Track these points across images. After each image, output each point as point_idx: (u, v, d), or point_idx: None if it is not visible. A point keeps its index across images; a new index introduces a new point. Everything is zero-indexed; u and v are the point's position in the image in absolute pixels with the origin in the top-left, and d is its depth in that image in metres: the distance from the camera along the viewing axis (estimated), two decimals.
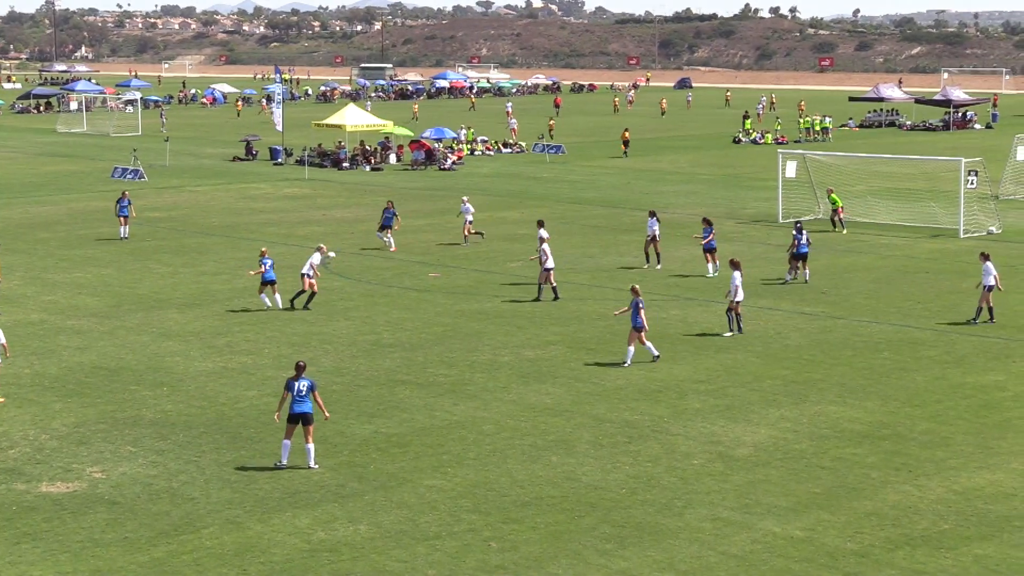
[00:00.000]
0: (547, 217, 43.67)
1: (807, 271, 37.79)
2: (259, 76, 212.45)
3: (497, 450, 22.60)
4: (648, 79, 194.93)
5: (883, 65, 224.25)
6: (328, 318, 33.19)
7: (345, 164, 71.89)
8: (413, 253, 43.30)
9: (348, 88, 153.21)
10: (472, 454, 22.39)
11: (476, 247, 44.36)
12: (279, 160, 74.88)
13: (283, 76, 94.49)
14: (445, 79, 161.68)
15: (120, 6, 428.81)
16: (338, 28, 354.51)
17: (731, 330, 31.07)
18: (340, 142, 75.97)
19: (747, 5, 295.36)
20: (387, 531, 18.91)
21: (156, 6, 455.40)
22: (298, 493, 20.46)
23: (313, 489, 20.65)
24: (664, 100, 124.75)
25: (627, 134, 79.54)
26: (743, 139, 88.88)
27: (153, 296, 36.24)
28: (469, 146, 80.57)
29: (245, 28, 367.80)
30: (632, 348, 28.28)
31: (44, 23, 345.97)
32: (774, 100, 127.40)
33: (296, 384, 21.48)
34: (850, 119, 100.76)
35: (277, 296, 34.06)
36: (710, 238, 38.92)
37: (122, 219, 46.35)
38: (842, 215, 47.80)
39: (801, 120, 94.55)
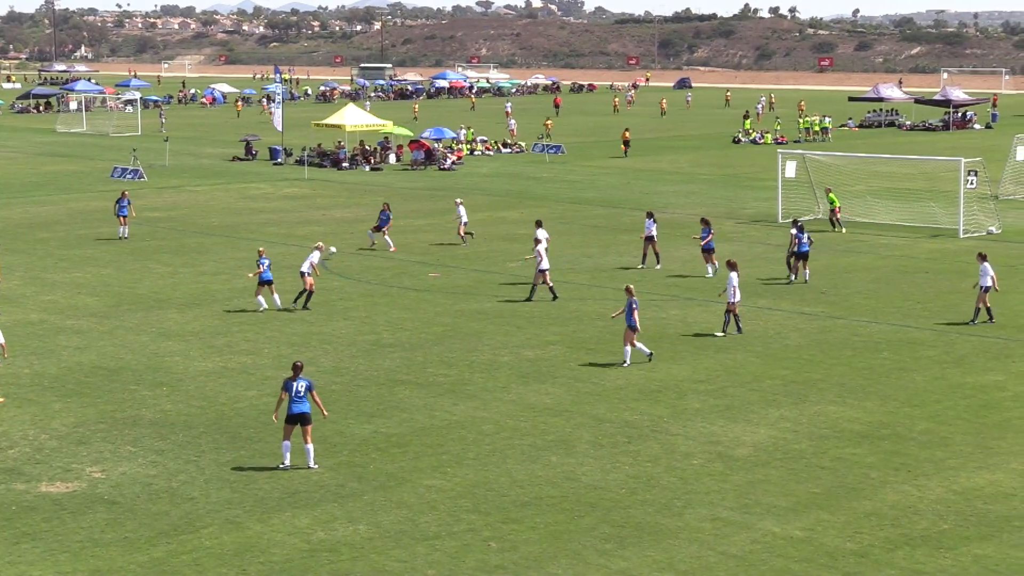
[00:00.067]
0: (547, 217, 43.73)
1: (807, 271, 37.79)
2: (258, 76, 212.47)
3: (497, 450, 22.61)
4: (648, 79, 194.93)
5: (883, 65, 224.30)
6: (328, 318, 33.20)
7: (345, 164, 71.89)
8: (413, 253, 43.30)
9: (348, 88, 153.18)
10: (472, 454, 22.39)
11: (475, 247, 44.36)
12: (279, 160, 74.88)
13: (283, 76, 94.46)
14: (445, 79, 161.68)
15: (120, 6, 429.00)
16: (338, 28, 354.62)
17: (723, 331, 31.06)
18: (340, 142, 75.97)
19: (746, 5, 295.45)
20: (386, 531, 18.91)
21: (156, 6, 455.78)
22: (297, 493, 20.46)
23: (313, 489, 20.65)
24: (664, 100, 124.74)
25: (627, 134, 79.53)
26: (743, 139, 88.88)
27: (153, 296, 36.24)
28: (469, 146, 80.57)
29: (245, 28, 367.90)
30: (629, 348, 28.29)
31: (44, 23, 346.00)
32: (773, 100, 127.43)
33: (294, 385, 21.48)
34: (850, 119, 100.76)
35: (276, 296, 34.03)
36: (709, 238, 38.92)
37: (121, 219, 46.37)
38: (838, 215, 47.82)
39: (801, 120, 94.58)
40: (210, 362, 28.82)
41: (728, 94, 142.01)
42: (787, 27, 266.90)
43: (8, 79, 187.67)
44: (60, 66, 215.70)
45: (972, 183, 49.61)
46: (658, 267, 39.94)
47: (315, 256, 34.52)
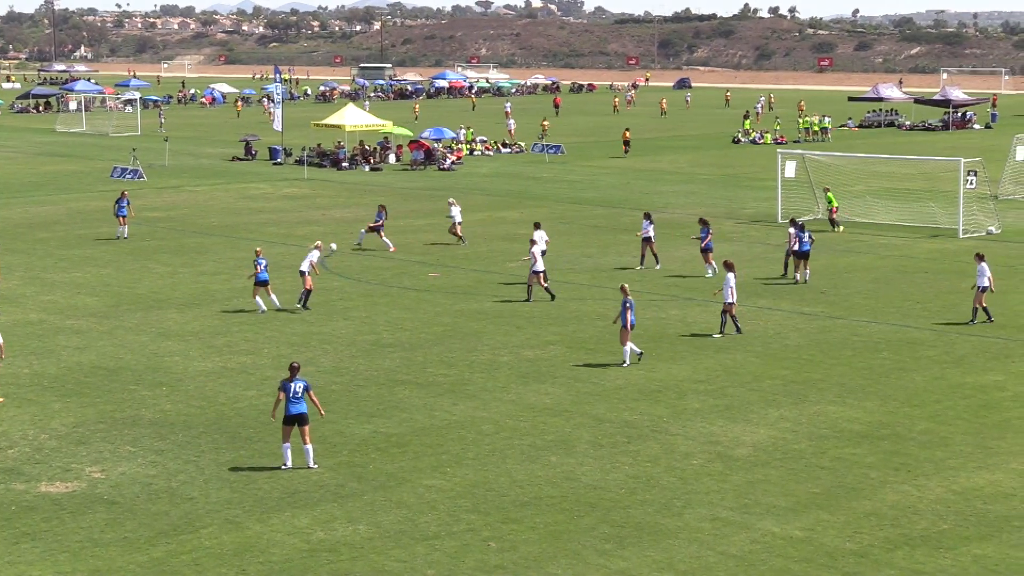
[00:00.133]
0: (546, 217, 43.80)
1: (807, 271, 37.78)
2: (258, 76, 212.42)
3: (496, 450, 22.60)
4: (647, 79, 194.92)
5: (882, 65, 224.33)
6: (327, 318, 33.19)
7: (344, 164, 71.89)
8: (412, 253, 43.30)
9: (347, 88, 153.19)
10: (471, 454, 22.39)
11: (475, 247, 44.35)
12: (278, 160, 74.88)
13: (282, 76, 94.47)
14: (444, 79, 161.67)
15: (119, 6, 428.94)
16: (337, 28, 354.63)
17: (721, 331, 31.05)
18: (339, 142, 75.98)
19: (746, 5, 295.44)
20: (386, 531, 18.91)
21: (155, 6, 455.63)
22: (297, 493, 20.46)
23: (312, 489, 20.65)
24: (664, 100, 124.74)
25: (628, 134, 79.53)
26: (742, 139, 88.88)
27: (152, 296, 36.24)
28: (468, 146, 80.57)
29: (244, 28, 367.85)
30: (628, 347, 28.28)
31: (43, 23, 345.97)
32: (772, 100, 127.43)
33: (291, 385, 21.48)
34: (849, 119, 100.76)
35: (273, 296, 33.96)
36: (708, 239, 38.90)
37: (120, 219, 46.36)
38: (835, 215, 47.79)
39: (800, 120, 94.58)
40: (210, 362, 28.82)
41: (728, 94, 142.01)
42: (787, 27, 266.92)
43: (8, 79, 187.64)
44: (60, 66, 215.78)
45: (972, 183, 49.62)
46: (657, 267, 39.94)
47: (314, 255, 34.52)
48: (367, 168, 71.49)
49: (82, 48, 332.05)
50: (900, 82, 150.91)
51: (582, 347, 29.90)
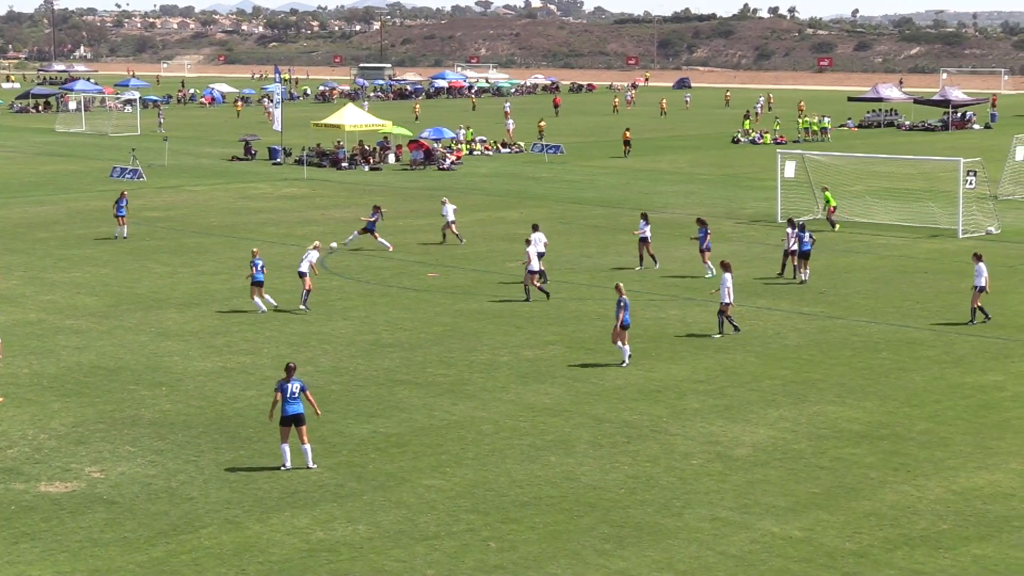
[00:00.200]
0: (546, 217, 43.81)
1: (807, 271, 37.77)
2: (257, 76, 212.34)
3: (496, 450, 22.60)
4: (647, 79, 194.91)
5: (882, 65, 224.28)
6: (327, 318, 33.19)
7: (344, 164, 71.90)
8: (412, 253, 43.30)
9: (347, 88, 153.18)
10: (471, 454, 22.39)
11: (474, 247, 44.35)
12: (278, 160, 74.89)
13: (282, 76, 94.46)
14: (444, 79, 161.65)
15: (119, 6, 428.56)
16: (337, 28, 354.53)
17: (720, 331, 31.05)
18: (339, 142, 75.99)
19: (746, 5, 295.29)
20: (386, 531, 18.91)
21: (155, 6, 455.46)
22: (297, 493, 20.46)
23: (312, 489, 20.65)
24: (664, 100, 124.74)
25: (628, 134, 79.53)
26: (742, 139, 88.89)
27: (152, 296, 36.24)
28: (468, 146, 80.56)
29: (244, 28, 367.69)
30: (627, 347, 28.28)
31: (43, 23, 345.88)
32: (771, 100, 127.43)
33: (288, 386, 21.48)
34: (849, 119, 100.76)
35: (267, 297, 33.91)
36: (707, 239, 38.83)
37: (120, 219, 46.35)
38: (833, 214, 47.78)
39: (800, 120, 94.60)
40: (209, 362, 28.82)
41: (728, 94, 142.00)
42: (786, 27, 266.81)
43: (7, 79, 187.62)
44: (59, 66, 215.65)
45: (971, 183, 49.62)
46: (656, 267, 39.92)
47: (313, 256, 34.44)
48: (367, 168, 71.50)
49: (81, 48, 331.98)
50: (900, 82, 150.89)
51: (582, 347, 29.90)
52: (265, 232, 48.02)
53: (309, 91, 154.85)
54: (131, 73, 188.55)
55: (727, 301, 30.76)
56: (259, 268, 33.55)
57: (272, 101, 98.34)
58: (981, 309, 32.28)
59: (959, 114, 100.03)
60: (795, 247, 37.97)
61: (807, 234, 37.71)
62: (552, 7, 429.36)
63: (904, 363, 28.52)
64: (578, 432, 23.59)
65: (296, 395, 21.48)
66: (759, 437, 23.24)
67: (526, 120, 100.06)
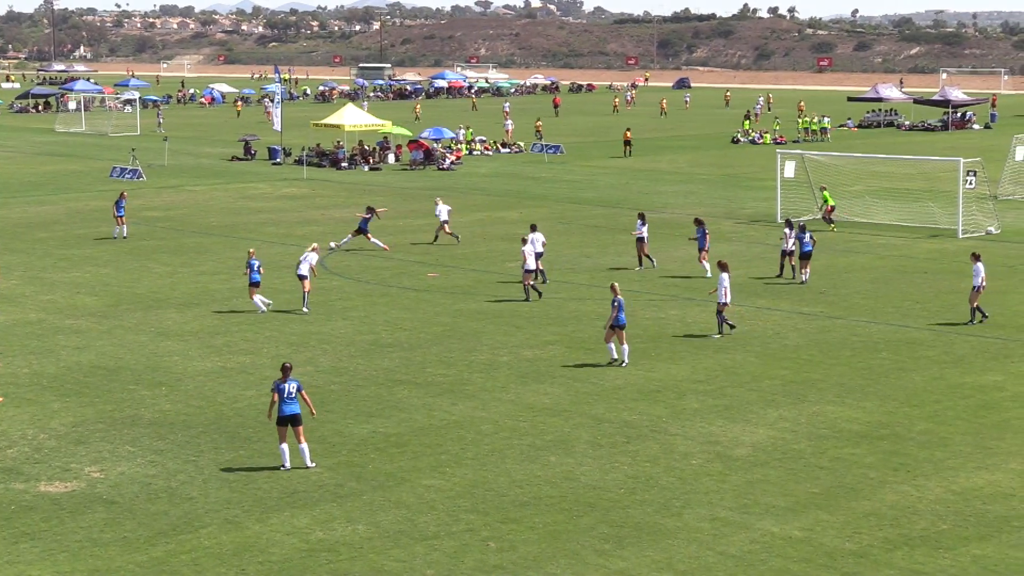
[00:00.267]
0: (545, 217, 43.79)
1: (807, 271, 37.71)
2: (256, 76, 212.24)
3: (495, 450, 22.61)
4: (647, 79, 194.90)
5: (882, 65, 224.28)
6: (326, 318, 33.19)
7: (344, 164, 71.90)
8: (411, 253, 43.30)
9: (347, 88, 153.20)
10: (470, 454, 22.40)
11: (474, 247, 44.35)
12: (277, 160, 74.88)
13: (282, 76, 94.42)
14: (444, 79, 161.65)
15: (119, 6, 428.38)
16: (336, 28, 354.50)
17: (720, 332, 31.05)
18: (339, 142, 76.00)
19: (745, 5, 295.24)
20: (385, 531, 18.91)
21: (155, 6, 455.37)
22: (296, 493, 20.46)
23: (311, 489, 20.65)
24: (664, 100, 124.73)
25: (629, 134, 79.52)
26: (742, 139, 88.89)
27: (151, 296, 36.24)
28: (468, 146, 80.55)
29: (244, 28, 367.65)
30: (626, 347, 28.28)
31: (43, 23, 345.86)
32: (770, 100, 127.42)
33: (285, 386, 21.48)
34: (849, 119, 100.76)
35: (255, 299, 33.75)
36: (706, 239, 38.76)
37: (119, 219, 46.33)
38: (831, 214, 47.77)
39: (800, 120, 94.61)
40: (209, 362, 28.82)
41: (728, 94, 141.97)
42: (786, 27, 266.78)
43: (7, 79, 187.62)
44: (59, 66, 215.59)
45: (971, 183, 49.62)
46: (654, 267, 39.89)
47: (313, 258, 34.27)
48: (366, 168, 71.50)
49: (81, 48, 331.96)
50: (901, 82, 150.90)
51: (581, 347, 29.90)
52: (265, 232, 48.02)
53: (309, 91, 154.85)
54: (131, 73, 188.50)
55: (724, 301, 30.74)
56: (255, 268, 33.49)
57: (272, 101, 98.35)
58: (978, 309, 32.29)
59: (959, 114, 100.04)
60: (793, 247, 37.98)
61: (808, 235, 37.69)
62: (552, 7, 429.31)
63: (904, 363, 28.52)
64: (578, 432, 23.60)
65: (293, 395, 21.48)
66: (759, 437, 23.24)
67: (525, 120, 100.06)
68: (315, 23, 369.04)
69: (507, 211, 53.67)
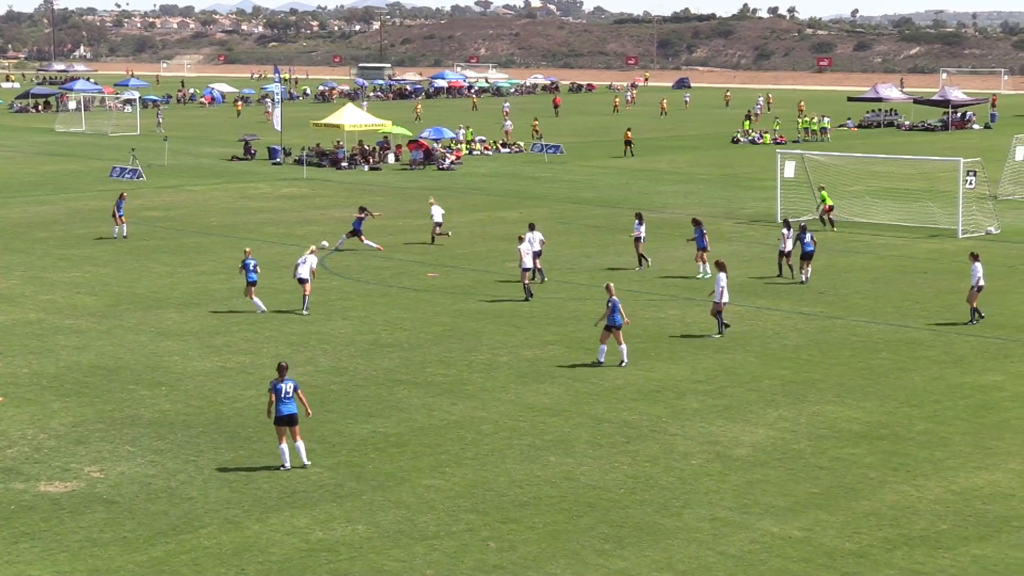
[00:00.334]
0: (545, 217, 43.77)
1: (808, 271, 37.68)
2: (256, 76, 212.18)
3: (495, 450, 22.61)
4: (646, 79, 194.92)
5: (881, 65, 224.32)
6: (326, 318, 33.19)
7: (343, 164, 71.90)
8: (411, 253, 43.31)
9: (347, 88, 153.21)
10: (470, 454, 22.40)
11: (474, 247, 44.36)
12: (277, 160, 74.88)
13: (282, 76, 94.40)
14: (443, 79, 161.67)
15: (119, 5, 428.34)
16: (336, 28, 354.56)
17: (720, 332, 31.04)
18: (338, 142, 76.01)
19: (745, 5, 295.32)
20: (385, 531, 18.91)
21: (155, 5, 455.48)
22: (296, 493, 20.46)
23: (311, 489, 20.65)
24: (665, 100, 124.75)
25: (629, 134, 79.53)
26: (742, 139, 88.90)
27: (151, 295, 36.24)
28: (468, 146, 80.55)
29: (244, 28, 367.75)
30: (624, 346, 28.27)
31: (43, 22, 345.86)
32: (770, 100, 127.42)
33: (282, 386, 21.47)
34: (848, 119, 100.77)
35: (256, 299, 33.71)
36: (704, 239, 38.68)
37: (119, 219, 46.32)
38: (829, 214, 47.77)
39: (800, 120, 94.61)
40: (209, 362, 28.81)
41: (728, 94, 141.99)
42: (786, 27, 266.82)
43: (7, 78, 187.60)
44: (59, 65, 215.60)
45: (971, 183, 49.62)
46: (650, 266, 39.83)
47: (313, 260, 34.10)
48: (366, 168, 71.50)
49: (81, 48, 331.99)
50: (901, 82, 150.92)
51: (581, 347, 29.89)
52: (265, 232, 48.03)
53: (309, 91, 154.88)
54: (130, 73, 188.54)
55: (721, 301, 30.73)
56: (251, 268, 33.43)
57: (272, 101, 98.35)
58: (975, 309, 32.27)
59: (959, 114, 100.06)
60: (790, 248, 38.01)
61: (809, 235, 37.69)
62: (552, 7, 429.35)
63: (903, 363, 28.52)
64: (577, 432, 23.60)
65: (290, 395, 21.48)
66: (758, 437, 23.24)
67: (525, 120, 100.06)
68: (315, 23, 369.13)
69: (507, 211, 53.67)
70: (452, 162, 72.24)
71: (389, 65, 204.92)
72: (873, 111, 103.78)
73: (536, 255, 36.77)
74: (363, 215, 43.71)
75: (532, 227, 38.29)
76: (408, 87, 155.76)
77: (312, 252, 34.58)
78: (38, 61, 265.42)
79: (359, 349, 29.94)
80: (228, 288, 36.98)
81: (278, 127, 76.85)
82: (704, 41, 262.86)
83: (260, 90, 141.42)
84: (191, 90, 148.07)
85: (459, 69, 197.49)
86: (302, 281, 33.63)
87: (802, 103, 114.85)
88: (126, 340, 30.86)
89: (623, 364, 28.14)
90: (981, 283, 32.06)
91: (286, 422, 21.46)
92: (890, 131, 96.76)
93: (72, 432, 23.64)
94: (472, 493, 20.43)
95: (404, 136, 77.27)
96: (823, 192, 48.19)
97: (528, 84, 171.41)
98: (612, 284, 29.18)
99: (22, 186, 63.42)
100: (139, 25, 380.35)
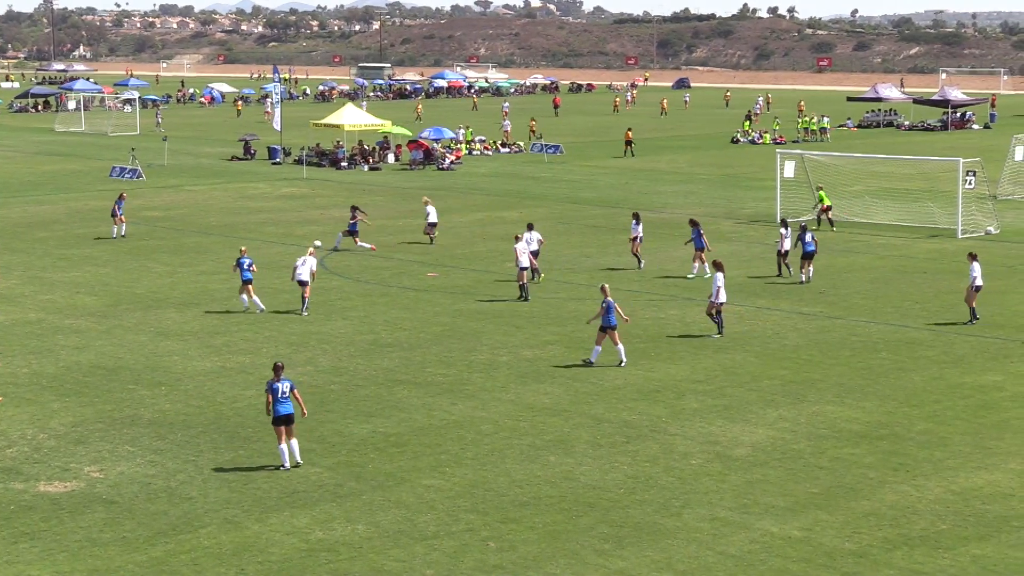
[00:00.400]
0: (545, 217, 43.75)
1: (810, 270, 37.66)
2: (256, 75, 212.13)
3: (495, 450, 22.61)
4: (646, 79, 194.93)
5: (881, 65, 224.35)
6: (326, 317, 33.18)
7: (343, 164, 71.90)
8: (410, 253, 43.30)
9: (346, 88, 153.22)
10: (470, 454, 22.39)
11: (473, 247, 44.36)
12: (277, 160, 74.87)
13: (282, 76, 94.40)
14: (443, 79, 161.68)
15: (118, 5, 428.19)
16: (336, 28, 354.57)
17: (720, 332, 31.03)
18: (338, 141, 76.02)
19: (745, 5, 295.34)
20: (385, 531, 18.91)
21: (154, 5, 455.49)
22: (296, 493, 20.46)
23: (311, 489, 20.65)
24: (665, 100, 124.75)
25: (630, 134, 79.53)
26: (741, 139, 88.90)
27: (151, 295, 36.23)
28: (467, 146, 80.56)
29: (243, 27, 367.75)
30: (621, 346, 28.25)
31: (42, 22, 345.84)
32: (769, 100, 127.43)
33: (279, 386, 21.47)
34: (848, 119, 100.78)
35: (255, 297, 33.71)
36: (702, 239, 38.64)
37: (117, 219, 46.30)
38: (828, 214, 47.77)
39: (800, 120, 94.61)
40: (208, 362, 28.81)
41: (728, 94, 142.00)
42: (786, 27, 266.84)
43: (7, 78, 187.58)
44: (58, 65, 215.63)
45: (970, 183, 49.62)
46: (642, 267, 39.76)
47: (312, 262, 34.03)
48: (366, 168, 71.50)
49: (81, 47, 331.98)
50: (901, 82, 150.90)
51: (581, 347, 29.88)
52: (264, 232, 48.02)
53: (308, 91, 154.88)
54: (130, 73, 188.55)
55: (720, 301, 30.71)
56: (246, 267, 33.38)
57: (272, 101, 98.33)
58: (973, 309, 32.27)
59: (958, 114, 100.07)
60: (788, 247, 38.02)
61: (810, 235, 37.69)
62: (551, 7, 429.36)
63: (903, 363, 28.52)
64: (577, 432, 23.60)
65: (287, 395, 21.48)
66: (758, 437, 23.24)
67: (524, 120, 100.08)
68: (315, 23, 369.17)
69: (507, 211, 53.66)
70: (452, 162, 72.24)
71: (389, 65, 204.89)
72: (873, 111, 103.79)
73: (534, 255, 36.79)
74: (354, 216, 43.51)
75: (530, 227, 38.30)
76: (408, 87, 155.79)
77: (311, 253, 34.53)
78: (38, 61, 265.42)
79: (359, 349, 29.94)
80: (228, 288, 36.96)
81: (278, 127, 76.85)
82: (704, 41, 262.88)
83: (260, 90, 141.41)
84: (191, 90, 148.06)
85: (459, 69, 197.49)
86: (302, 283, 33.58)
87: (802, 103, 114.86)
88: (126, 340, 30.85)
89: (622, 364, 28.13)
90: (979, 283, 32.06)
91: (284, 422, 21.46)
92: (890, 131, 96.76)
93: (72, 432, 23.64)
94: (472, 493, 20.44)
95: (404, 136, 77.28)
96: (821, 192, 48.22)
97: (528, 84, 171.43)
98: (607, 285, 29.17)
99: (22, 186, 63.42)
100: (139, 25, 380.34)
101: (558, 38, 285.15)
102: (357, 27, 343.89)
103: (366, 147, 74.93)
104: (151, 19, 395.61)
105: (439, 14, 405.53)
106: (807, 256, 37.51)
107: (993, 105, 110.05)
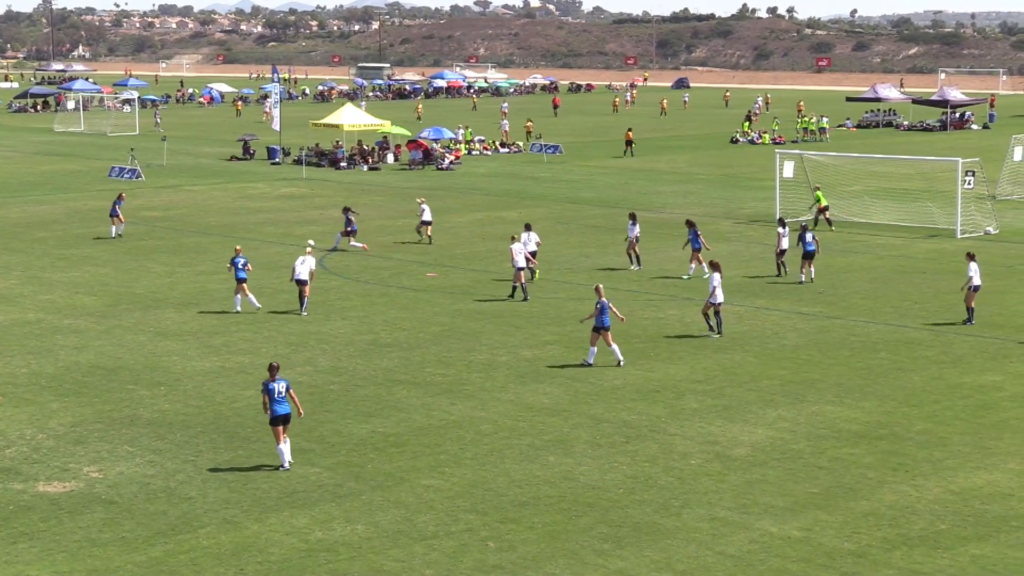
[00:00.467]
0: (544, 217, 43.72)
1: (811, 270, 37.65)
2: (255, 75, 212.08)
3: (495, 450, 22.60)
4: (646, 79, 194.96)
5: (880, 65, 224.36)
6: (325, 317, 33.18)
7: (343, 164, 71.89)
8: (410, 253, 43.30)
9: (346, 88, 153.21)
10: (469, 454, 22.39)
11: (473, 247, 44.36)
12: (276, 160, 74.87)
13: (281, 76, 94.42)
14: (443, 79, 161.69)
15: (117, 5, 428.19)
16: (336, 28, 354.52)
17: (719, 332, 31.03)
18: (338, 141, 76.01)
19: (744, 5, 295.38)
20: (384, 531, 18.91)
21: (154, 5, 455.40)
22: (295, 493, 20.46)
23: (310, 489, 20.65)
24: (664, 100, 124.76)
25: (630, 134, 79.53)
26: (741, 139, 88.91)
27: (150, 295, 36.23)
28: (467, 146, 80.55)
29: (243, 27, 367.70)
30: (615, 346, 28.24)
31: (41, 22, 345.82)
32: (768, 100, 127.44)
33: (275, 386, 21.47)
34: (847, 119, 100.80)
35: (251, 296, 33.66)
36: (699, 239, 38.61)
37: (115, 219, 46.28)
38: (826, 214, 47.76)
39: (799, 120, 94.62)
40: (208, 362, 28.81)
41: (727, 94, 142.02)
42: (785, 27, 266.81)
43: (6, 78, 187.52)
44: (58, 65, 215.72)
45: (969, 183, 49.62)
46: (636, 268, 39.74)
47: (312, 262, 34.02)
48: (365, 168, 71.50)
49: (80, 47, 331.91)
50: (900, 82, 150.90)
51: (580, 347, 29.87)
52: (264, 232, 48.02)
53: (308, 91, 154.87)
54: (129, 73, 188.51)
55: (717, 301, 30.71)
56: (240, 266, 33.35)
57: (271, 101, 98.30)
58: (969, 310, 32.28)
59: (957, 114, 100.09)
60: (786, 247, 38.03)
61: (810, 235, 37.69)
62: (551, 7, 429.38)
63: (902, 363, 28.53)
64: (577, 432, 23.59)
65: (283, 395, 21.48)
66: (758, 437, 23.24)
67: (520, 121, 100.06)
68: (314, 23, 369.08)
69: (506, 211, 53.66)
70: (451, 162, 72.24)
71: (388, 65, 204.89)
72: (872, 111, 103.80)
73: (532, 255, 36.80)
74: (347, 216, 43.41)
75: (528, 227, 38.31)
76: (407, 87, 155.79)
77: (310, 253, 34.54)
78: (37, 61, 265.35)
79: (358, 349, 29.94)
80: (227, 288, 36.91)
81: (277, 127, 76.83)
82: (703, 41, 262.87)
83: (259, 90, 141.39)
84: (190, 90, 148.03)
85: (458, 69, 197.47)
86: (301, 283, 33.58)
87: (801, 103, 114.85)
88: (125, 340, 30.85)
89: (620, 364, 28.12)
90: (976, 283, 32.06)
91: (281, 422, 21.46)
92: (889, 131, 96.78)
93: (71, 432, 23.63)
94: (471, 493, 20.43)
95: (403, 136, 77.27)
96: (818, 192, 48.23)
97: (527, 84, 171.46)
98: (601, 286, 29.16)
99: (21, 186, 63.41)
100: (138, 25, 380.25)
101: (557, 38, 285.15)
102: (356, 27, 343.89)
103: (365, 147, 74.92)
104: (150, 19, 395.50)
105: (438, 14, 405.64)
106: (807, 256, 37.51)
107: (992, 105, 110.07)
